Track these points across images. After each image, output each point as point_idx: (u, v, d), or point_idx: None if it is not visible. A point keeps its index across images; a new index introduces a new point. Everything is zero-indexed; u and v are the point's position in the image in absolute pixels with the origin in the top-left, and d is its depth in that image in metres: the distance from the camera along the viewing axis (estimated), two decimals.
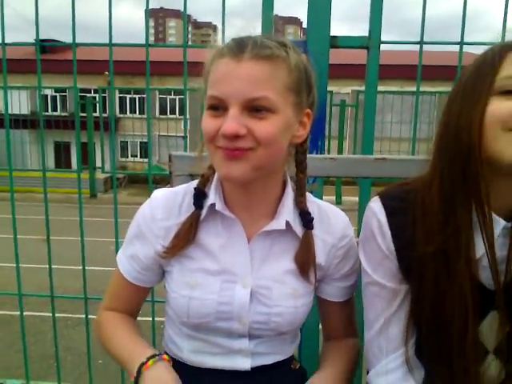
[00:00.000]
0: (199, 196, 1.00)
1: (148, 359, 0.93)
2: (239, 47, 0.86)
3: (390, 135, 11.75)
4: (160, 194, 1.05)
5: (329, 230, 1.04)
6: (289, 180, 1.03)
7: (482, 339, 0.89)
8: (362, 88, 1.69)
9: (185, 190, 1.04)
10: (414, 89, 1.84)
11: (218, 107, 0.87)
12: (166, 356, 0.96)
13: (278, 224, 0.99)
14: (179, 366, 1.05)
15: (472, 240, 0.86)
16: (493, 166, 0.83)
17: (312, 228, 1.01)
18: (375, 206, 0.97)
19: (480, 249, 0.86)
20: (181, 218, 1.00)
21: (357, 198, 1.81)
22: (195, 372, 1.04)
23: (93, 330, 1.14)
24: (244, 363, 1.03)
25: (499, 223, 0.86)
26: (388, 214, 0.94)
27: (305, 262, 1.01)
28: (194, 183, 1.04)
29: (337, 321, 1.13)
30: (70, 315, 3.95)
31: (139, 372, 0.92)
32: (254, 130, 0.85)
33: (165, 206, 1.02)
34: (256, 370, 1.03)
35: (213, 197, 0.99)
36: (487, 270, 0.86)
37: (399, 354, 0.94)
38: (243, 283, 0.99)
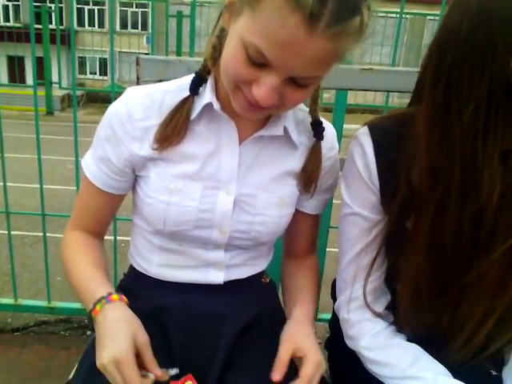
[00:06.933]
0: (199, 83, 0.91)
1: (95, 305, 0.85)
2: (318, 8, 0.65)
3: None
4: (137, 91, 0.92)
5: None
6: None
7: None
8: None
9: (165, 89, 0.93)
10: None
11: (260, 62, 0.74)
12: (114, 296, 0.87)
13: (276, 129, 0.93)
14: (145, 280, 1.03)
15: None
16: None
17: (322, 139, 0.98)
18: (364, 139, 0.88)
19: None
20: (162, 119, 0.91)
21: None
22: (163, 286, 1.01)
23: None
24: (217, 277, 1.00)
25: None
26: (376, 152, 0.86)
27: (313, 173, 0.98)
28: (176, 81, 0.95)
29: (307, 235, 1.11)
30: (26, 233, 3.88)
31: (91, 318, 0.87)
32: (286, 98, 0.79)
33: (143, 105, 0.91)
34: (228, 284, 1.01)
35: (209, 97, 0.90)
36: None
37: (368, 282, 0.93)
38: (227, 190, 0.93)
